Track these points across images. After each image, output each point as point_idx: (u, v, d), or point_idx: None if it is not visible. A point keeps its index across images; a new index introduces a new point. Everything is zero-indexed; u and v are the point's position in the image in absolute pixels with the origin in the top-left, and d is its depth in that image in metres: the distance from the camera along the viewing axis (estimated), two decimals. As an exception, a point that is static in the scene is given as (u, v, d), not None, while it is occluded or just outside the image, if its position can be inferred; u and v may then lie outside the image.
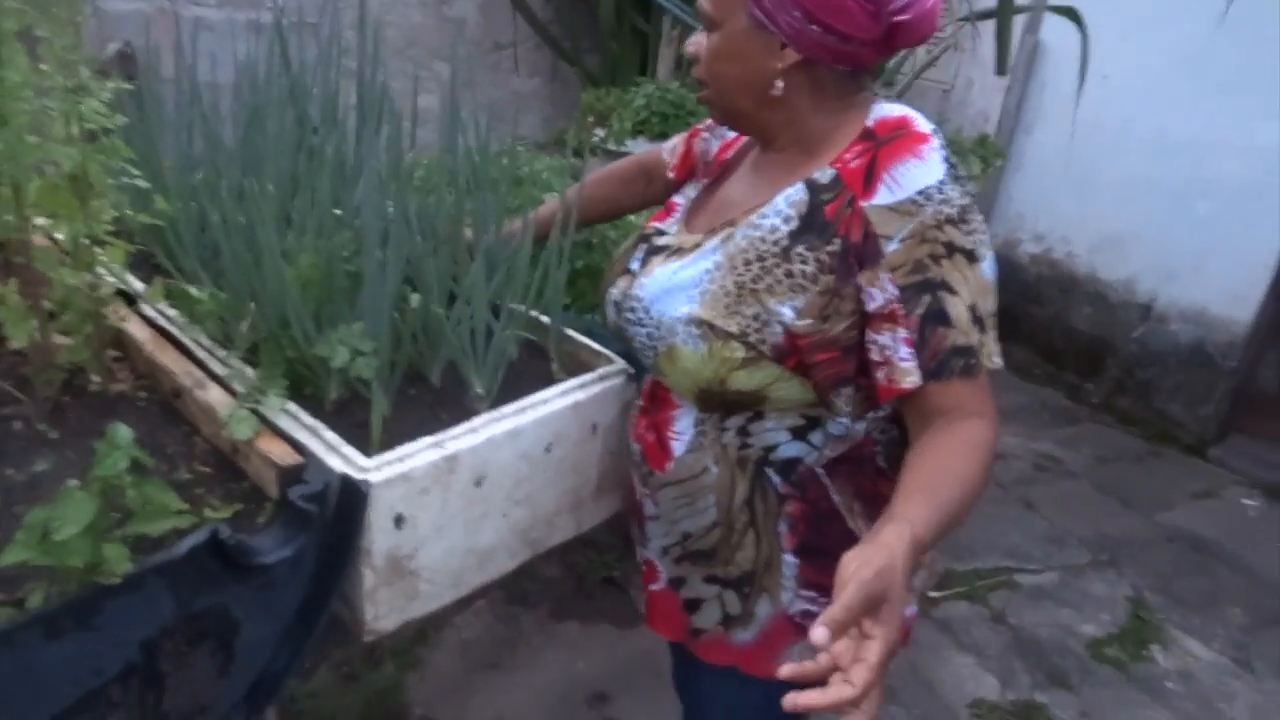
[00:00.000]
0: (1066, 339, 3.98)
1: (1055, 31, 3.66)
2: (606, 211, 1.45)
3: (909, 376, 0.92)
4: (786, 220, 0.98)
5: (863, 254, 0.93)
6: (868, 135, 0.97)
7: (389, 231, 1.17)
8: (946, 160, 0.94)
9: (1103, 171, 3.73)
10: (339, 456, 1.08)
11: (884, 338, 0.93)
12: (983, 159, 2.75)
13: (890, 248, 0.92)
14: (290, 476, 1.03)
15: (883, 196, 0.93)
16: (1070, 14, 3.00)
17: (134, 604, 0.87)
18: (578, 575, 2.60)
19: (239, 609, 0.97)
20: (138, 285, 1.36)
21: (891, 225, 0.92)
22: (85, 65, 1.19)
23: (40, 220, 1.13)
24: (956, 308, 0.91)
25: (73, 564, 0.80)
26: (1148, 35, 3.47)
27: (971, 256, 0.93)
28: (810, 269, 0.95)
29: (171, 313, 1.31)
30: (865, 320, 0.95)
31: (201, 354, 1.24)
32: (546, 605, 2.51)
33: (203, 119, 1.47)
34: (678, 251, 1.06)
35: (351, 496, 1.02)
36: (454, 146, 1.44)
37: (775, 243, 0.97)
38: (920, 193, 0.92)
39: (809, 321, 0.94)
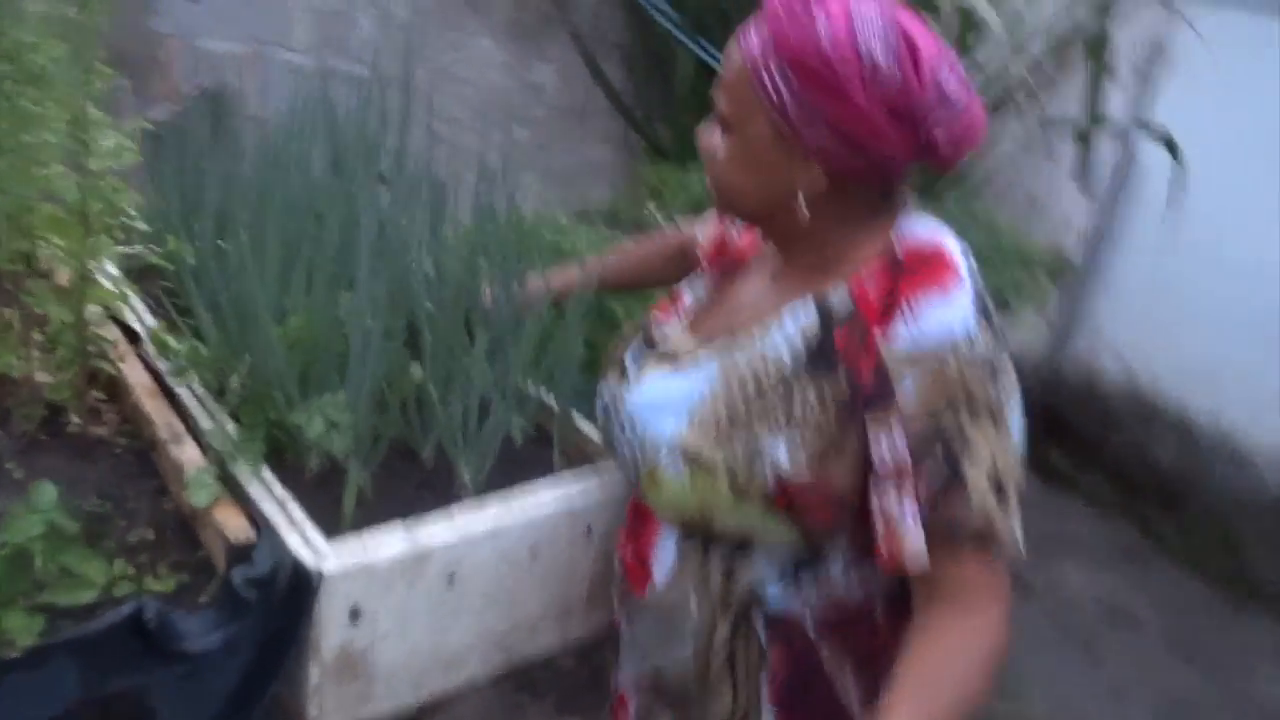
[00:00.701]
0: (1145, 471, 3.72)
1: (1147, 145, 3.50)
2: (638, 281, 1.38)
3: (913, 549, 0.80)
4: (791, 345, 0.88)
5: (871, 398, 0.82)
6: (891, 259, 0.87)
7: (384, 296, 1.10)
8: (978, 300, 0.83)
9: (1193, 295, 3.51)
10: (299, 536, 1.00)
11: (888, 498, 0.82)
12: (1051, 273, 2.60)
13: (903, 395, 0.81)
14: (238, 554, 0.95)
15: (900, 336, 0.82)
16: (1166, 142, 2.85)
17: (35, 681, 0.79)
18: (592, 666, 2.46)
19: (158, 696, 0.88)
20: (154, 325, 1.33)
21: (907, 370, 0.81)
22: (93, 101, 1.17)
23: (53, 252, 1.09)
24: (974, 474, 0.79)
25: (-36, 633, 0.73)
26: (1246, 152, 3.29)
27: (998, 417, 0.81)
28: (810, 407, 0.85)
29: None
30: (869, 472, 0.84)
31: (193, 405, 1.19)
32: (554, 696, 2.37)
33: (231, 159, 1.44)
34: (673, 358, 0.97)
35: (301, 584, 0.94)
36: (488, 212, 1.38)
37: (776, 368, 0.88)
38: (943, 337, 0.81)
39: (803, 465, 0.84)
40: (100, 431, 1.13)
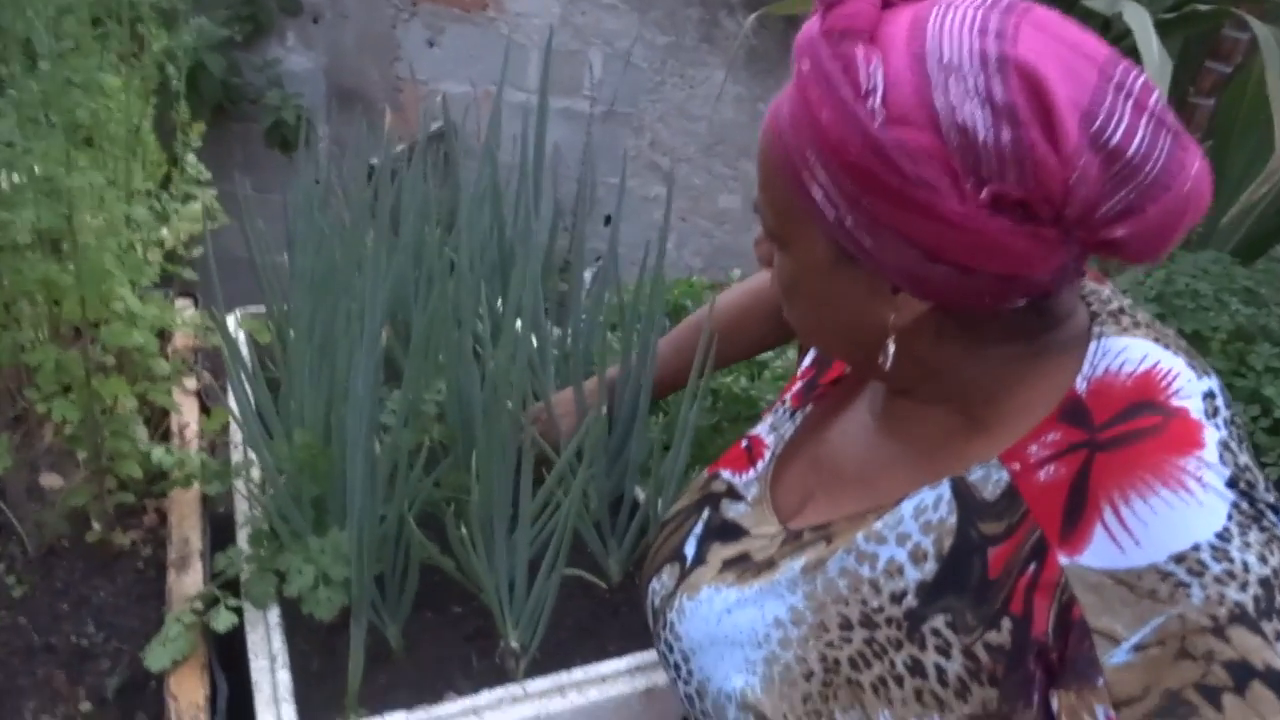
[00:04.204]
0: None
1: None
2: (725, 354, 0.97)
3: None
4: (915, 557, 0.53)
5: (1057, 659, 0.47)
6: (1076, 414, 0.50)
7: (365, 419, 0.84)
8: (1233, 485, 0.46)
9: None
10: (273, 714, 0.76)
11: None
12: None
13: (1115, 658, 0.45)
14: (176, 744, 0.73)
15: (1102, 553, 0.46)
16: None
17: None
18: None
19: None
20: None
21: (1119, 612, 0.46)
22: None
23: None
24: None
25: None
26: None
27: None
28: (955, 669, 0.50)
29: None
30: None
31: (241, 521, 1.00)
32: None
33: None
34: (741, 561, 0.64)
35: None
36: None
37: (894, 598, 0.53)
38: (1178, 557, 0.45)
39: None
40: (125, 541, 0.98)
